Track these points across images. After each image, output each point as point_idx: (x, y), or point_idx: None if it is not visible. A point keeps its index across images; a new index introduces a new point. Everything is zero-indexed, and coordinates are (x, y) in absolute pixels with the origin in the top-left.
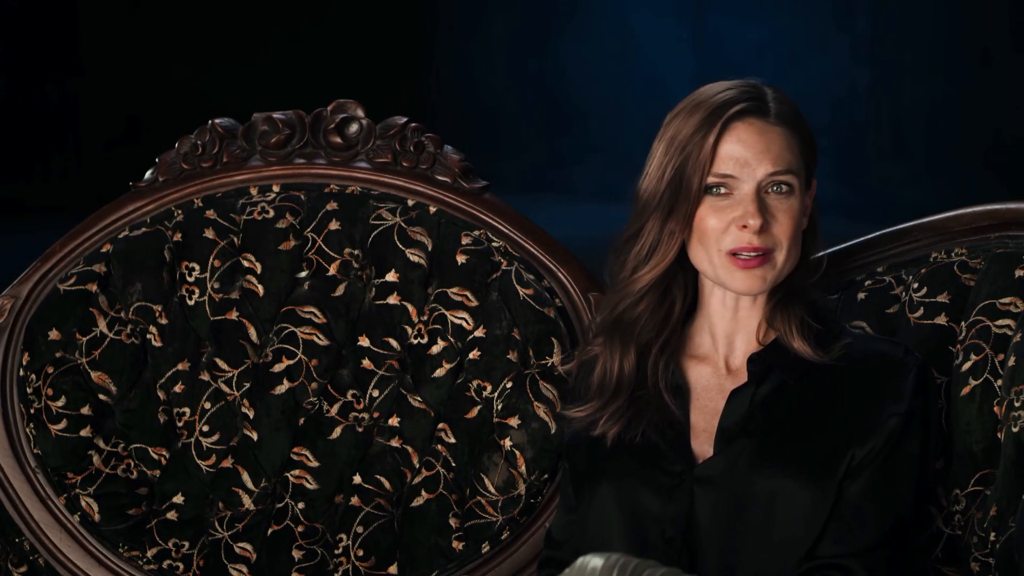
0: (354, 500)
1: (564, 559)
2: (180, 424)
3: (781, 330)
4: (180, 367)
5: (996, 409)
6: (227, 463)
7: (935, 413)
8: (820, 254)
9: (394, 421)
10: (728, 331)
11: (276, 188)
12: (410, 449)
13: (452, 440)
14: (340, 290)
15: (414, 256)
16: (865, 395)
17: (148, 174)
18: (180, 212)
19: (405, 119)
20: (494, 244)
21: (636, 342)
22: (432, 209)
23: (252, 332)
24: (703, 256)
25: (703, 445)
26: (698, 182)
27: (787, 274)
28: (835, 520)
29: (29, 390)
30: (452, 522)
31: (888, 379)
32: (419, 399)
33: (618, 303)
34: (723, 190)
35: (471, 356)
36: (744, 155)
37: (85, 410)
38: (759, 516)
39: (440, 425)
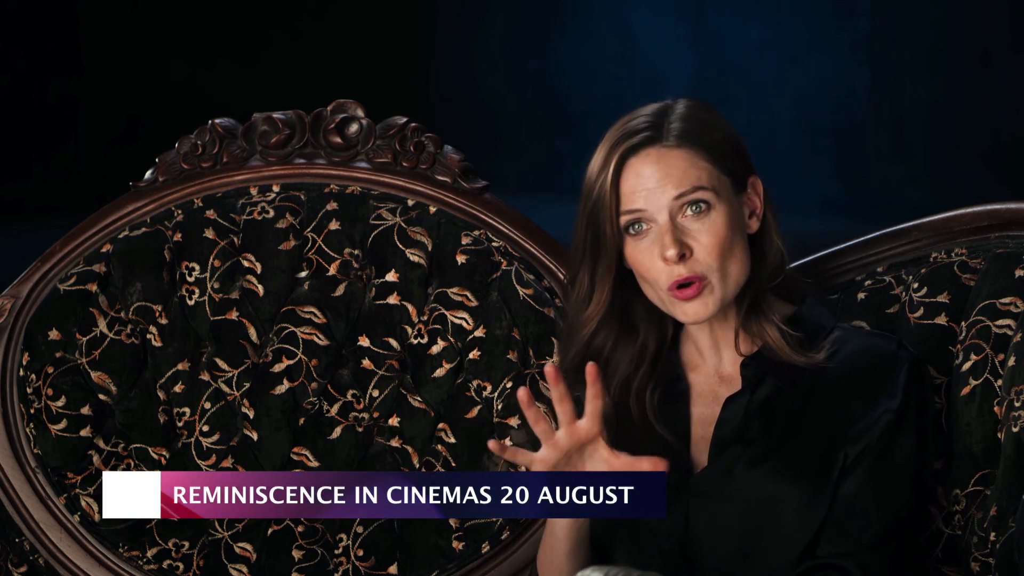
0: None
1: None
2: (180, 424)
3: (762, 338)
4: (180, 367)
5: (996, 409)
6: (227, 463)
7: (931, 409)
8: (792, 264)
9: (394, 421)
10: (711, 344)
11: (276, 188)
12: (410, 449)
13: (452, 440)
14: (340, 290)
15: (414, 256)
16: (859, 393)
17: (148, 174)
18: (180, 212)
19: (405, 119)
20: (494, 244)
21: (609, 373)
22: (432, 209)
23: (252, 332)
24: (653, 294)
25: (701, 454)
26: (611, 227)
27: (737, 288)
28: (831, 520)
29: (29, 390)
30: (452, 522)
31: (881, 375)
32: (419, 399)
33: (569, 350)
34: (642, 227)
35: (471, 356)
36: (645, 187)
37: (85, 410)
38: (756, 522)
39: (440, 425)
